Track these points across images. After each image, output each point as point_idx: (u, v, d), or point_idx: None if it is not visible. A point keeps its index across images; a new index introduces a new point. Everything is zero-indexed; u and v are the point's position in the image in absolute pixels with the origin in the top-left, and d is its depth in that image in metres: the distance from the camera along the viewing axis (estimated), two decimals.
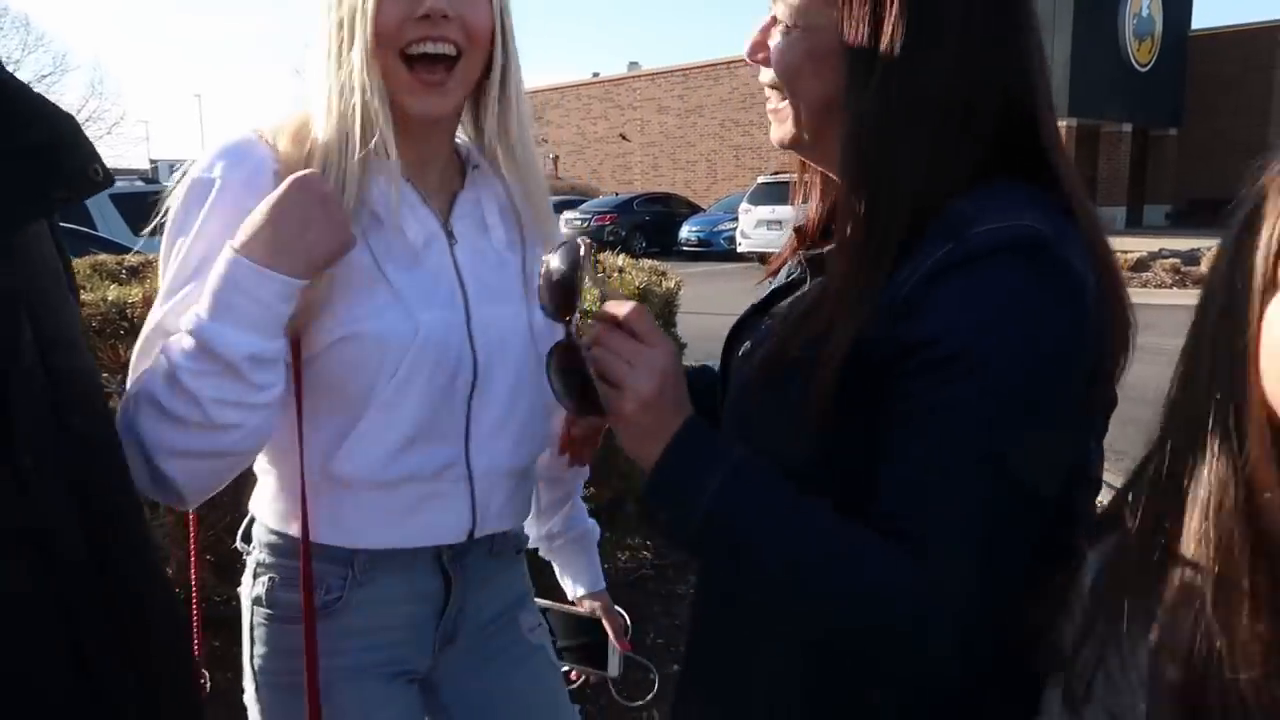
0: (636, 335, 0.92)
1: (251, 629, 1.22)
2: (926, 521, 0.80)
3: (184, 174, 1.10)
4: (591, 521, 1.51)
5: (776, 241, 18.22)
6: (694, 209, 23.57)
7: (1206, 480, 0.67)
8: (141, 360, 1.05)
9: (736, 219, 19.02)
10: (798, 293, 1.01)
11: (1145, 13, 25.81)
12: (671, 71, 32.21)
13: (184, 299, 1.04)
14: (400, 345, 1.10)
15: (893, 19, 0.87)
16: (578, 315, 0.97)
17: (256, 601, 1.21)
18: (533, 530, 1.46)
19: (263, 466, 1.21)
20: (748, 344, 1.01)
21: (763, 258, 18.70)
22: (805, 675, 0.92)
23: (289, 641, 1.15)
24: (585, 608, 1.48)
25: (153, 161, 36.64)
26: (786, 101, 0.97)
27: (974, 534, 0.79)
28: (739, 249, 18.81)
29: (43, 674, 0.69)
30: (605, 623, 1.46)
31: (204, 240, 1.05)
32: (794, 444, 0.89)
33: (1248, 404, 0.64)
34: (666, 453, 0.90)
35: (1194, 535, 0.67)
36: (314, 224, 0.99)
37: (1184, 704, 0.65)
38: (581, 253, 0.95)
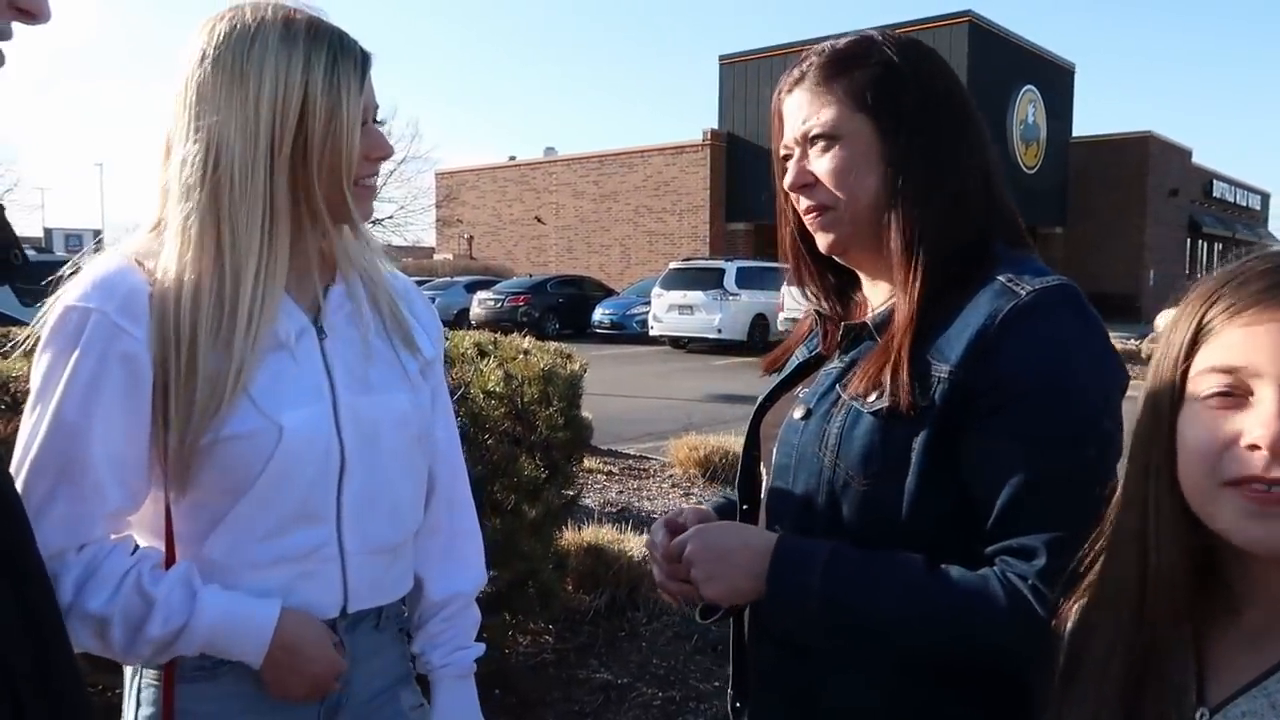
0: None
1: (138, 692, 1.20)
2: (1032, 535, 0.99)
3: (57, 299, 1.11)
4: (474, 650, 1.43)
5: (687, 326, 18.70)
6: (608, 292, 23.86)
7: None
8: (44, 511, 1.06)
9: (649, 303, 19.30)
10: (831, 363, 1.18)
11: (1030, 120, 27.67)
12: (587, 158, 32.89)
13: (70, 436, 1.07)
14: (265, 446, 1.13)
15: (911, 113, 1.09)
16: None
17: (145, 663, 1.20)
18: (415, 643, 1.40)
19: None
20: (803, 408, 1.15)
21: (675, 341, 19.04)
22: (883, 696, 1.08)
23: (177, 703, 1.16)
24: None
25: (46, 230, 35.25)
26: (831, 211, 1.14)
27: (1067, 541, 0.89)
28: (651, 332, 19.05)
29: None
30: None
31: (81, 379, 1.07)
32: (891, 483, 1.05)
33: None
34: (769, 579, 1.07)
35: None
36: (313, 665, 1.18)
37: None
38: None
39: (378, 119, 1.23)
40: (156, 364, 1.10)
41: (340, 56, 1.14)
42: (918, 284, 1.07)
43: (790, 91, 1.16)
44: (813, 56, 1.15)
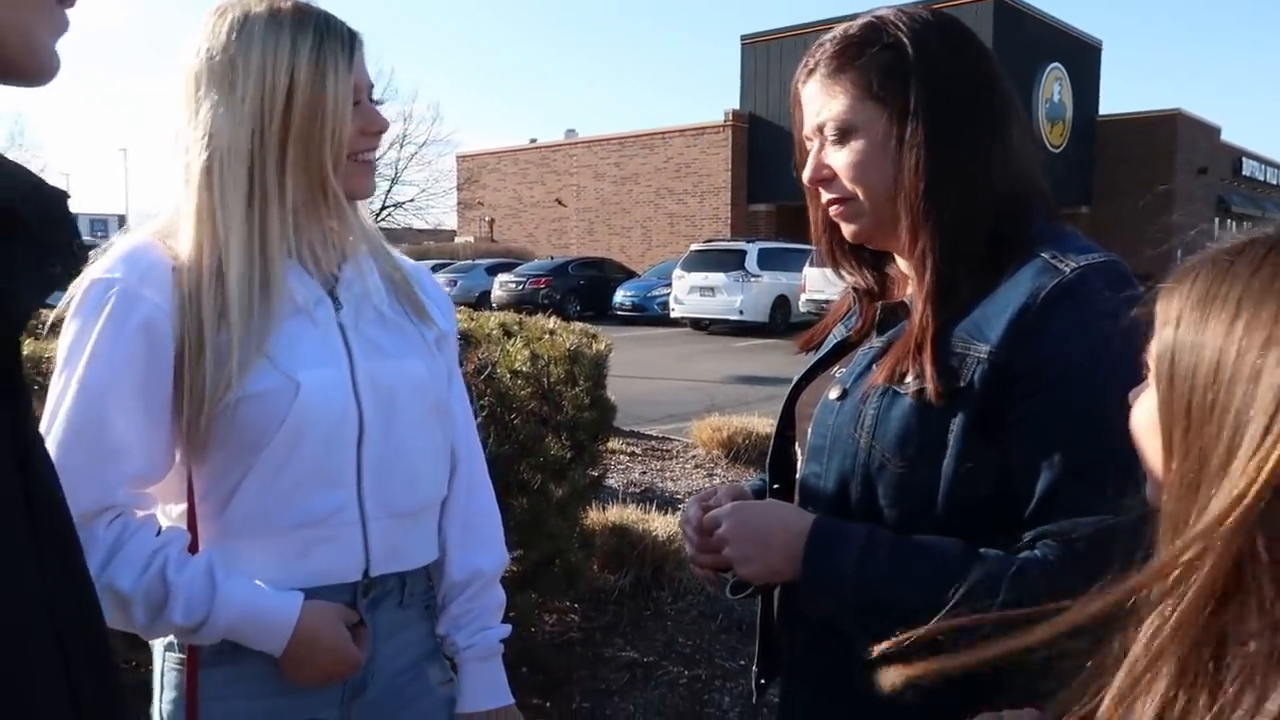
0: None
1: (162, 675, 1.24)
2: (1072, 519, 0.95)
3: (84, 274, 1.16)
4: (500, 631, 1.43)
5: (709, 308, 18.60)
6: (628, 274, 23.82)
7: None
8: (67, 474, 1.07)
9: (670, 285, 19.26)
10: (869, 343, 1.16)
11: (1056, 98, 27.28)
12: (608, 139, 32.78)
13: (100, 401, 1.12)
14: (282, 403, 1.16)
15: (922, 97, 1.06)
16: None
17: (169, 647, 1.24)
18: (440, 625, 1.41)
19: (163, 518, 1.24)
20: (839, 389, 1.14)
21: (696, 323, 19.01)
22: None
23: (202, 686, 1.19)
24: None
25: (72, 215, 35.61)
26: (852, 202, 1.12)
27: (1108, 527, 0.89)
28: (672, 314, 19.02)
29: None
30: None
31: (104, 344, 1.12)
32: (928, 466, 1.03)
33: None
34: (804, 562, 1.06)
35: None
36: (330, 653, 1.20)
37: None
38: None
39: (373, 96, 1.28)
40: (177, 333, 1.15)
41: (326, 37, 1.20)
42: (928, 273, 1.05)
43: (805, 82, 1.14)
44: (826, 44, 1.13)
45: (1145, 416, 0.63)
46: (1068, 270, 0.99)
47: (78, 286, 1.15)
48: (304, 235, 1.24)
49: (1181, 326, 0.57)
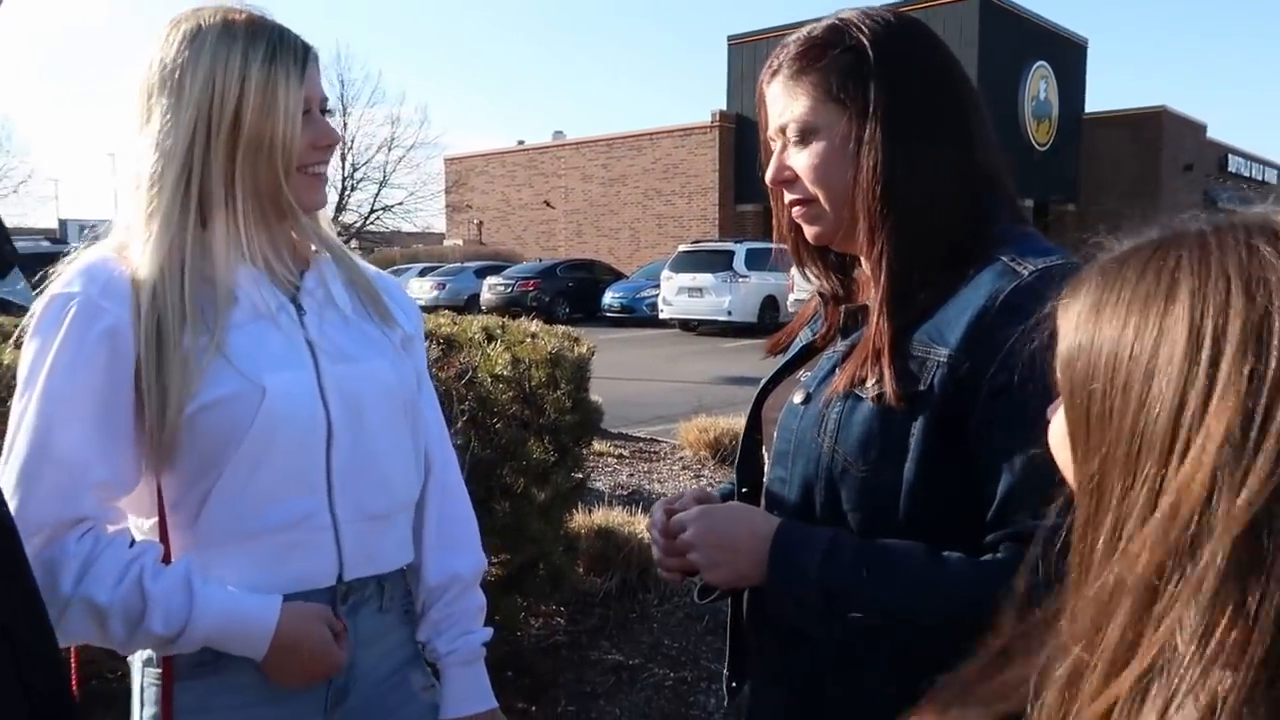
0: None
1: (142, 690, 1.23)
2: (1034, 521, 0.94)
3: (45, 290, 1.17)
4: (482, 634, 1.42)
5: (697, 308, 18.57)
6: (617, 275, 23.82)
7: None
8: (33, 486, 1.10)
9: (659, 286, 19.27)
10: (833, 347, 1.16)
11: (1042, 96, 27.41)
12: (596, 141, 32.79)
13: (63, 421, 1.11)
14: (248, 408, 1.16)
15: (880, 99, 1.06)
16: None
17: (147, 663, 1.23)
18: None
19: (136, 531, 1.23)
20: (803, 393, 1.14)
21: (685, 323, 19.01)
22: (887, 687, 1.04)
23: (181, 699, 1.18)
24: None
25: (61, 221, 35.48)
26: (814, 204, 1.13)
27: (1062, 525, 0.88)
28: (661, 315, 19.03)
29: None
30: None
31: (65, 356, 1.12)
32: (890, 470, 1.03)
33: None
34: (770, 566, 1.06)
35: None
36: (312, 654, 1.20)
37: None
38: None
39: (325, 109, 1.29)
40: (136, 344, 1.14)
41: (279, 50, 1.20)
42: (884, 276, 1.06)
43: (769, 83, 1.15)
44: (789, 45, 1.13)
45: (1057, 430, 0.63)
46: (1025, 273, 1.00)
47: (39, 302, 1.15)
48: (258, 243, 1.23)
49: (1078, 334, 0.58)
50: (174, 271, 1.17)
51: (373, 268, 1.43)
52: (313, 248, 1.32)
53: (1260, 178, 39.42)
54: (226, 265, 1.20)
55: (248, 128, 1.19)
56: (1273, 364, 0.47)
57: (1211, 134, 33.88)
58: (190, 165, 1.18)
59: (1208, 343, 0.49)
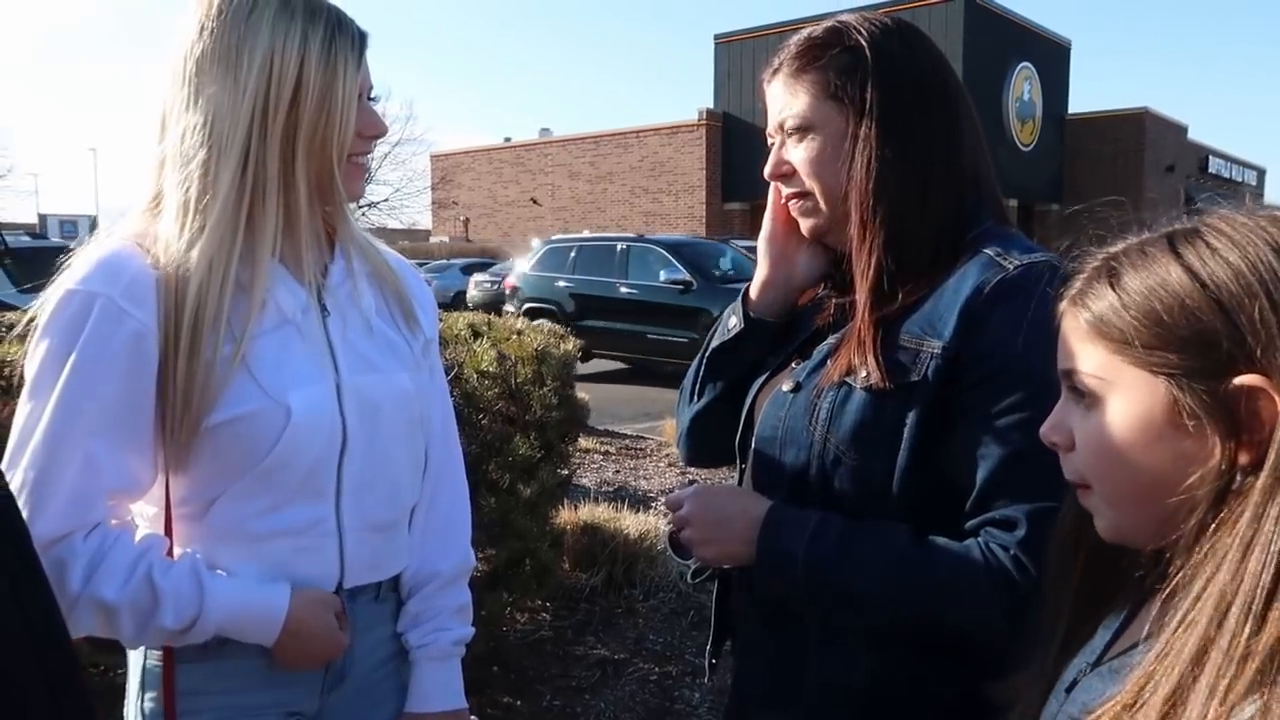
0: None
1: (142, 675, 1.22)
2: (1014, 505, 1.00)
3: (58, 284, 1.10)
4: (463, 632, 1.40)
5: None
6: None
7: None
8: (46, 499, 1.05)
9: None
10: (827, 339, 1.19)
11: (1026, 97, 27.55)
12: (583, 138, 32.72)
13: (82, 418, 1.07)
14: (272, 428, 1.13)
15: (876, 99, 1.10)
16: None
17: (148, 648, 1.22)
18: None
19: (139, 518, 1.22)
20: (792, 381, 1.17)
21: None
22: (869, 668, 1.10)
23: (182, 683, 1.18)
24: None
25: (41, 216, 35.10)
26: (809, 198, 1.17)
27: (1049, 511, 0.91)
28: None
29: None
30: None
31: (85, 363, 1.06)
32: (883, 459, 1.06)
33: None
34: (758, 544, 1.10)
35: None
36: (316, 641, 1.20)
37: None
38: None
39: (372, 97, 1.24)
40: (161, 346, 1.10)
41: (338, 33, 1.15)
42: (871, 270, 1.09)
43: (770, 81, 1.19)
44: (790, 45, 1.18)
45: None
46: (1011, 267, 1.04)
47: (51, 296, 1.08)
48: (292, 236, 1.18)
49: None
50: (218, 275, 1.11)
51: (394, 254, 1.39)
52: (341, 239, 1.28)
53: (1240, 179, 39.74)
54: (259, 260, 1.14)
55: (307, 113, 1.13)
56: None
57: (1193, 135, 34.14)
58: (248, 154, 1.12)
59: None
